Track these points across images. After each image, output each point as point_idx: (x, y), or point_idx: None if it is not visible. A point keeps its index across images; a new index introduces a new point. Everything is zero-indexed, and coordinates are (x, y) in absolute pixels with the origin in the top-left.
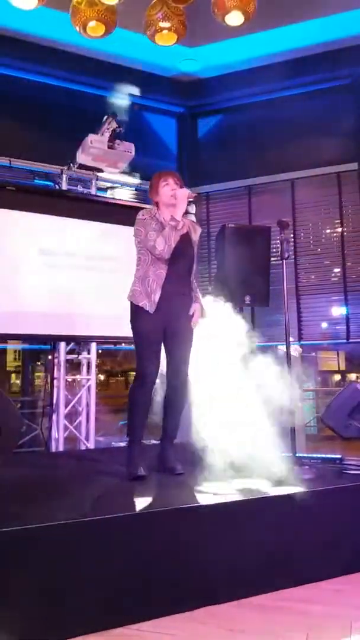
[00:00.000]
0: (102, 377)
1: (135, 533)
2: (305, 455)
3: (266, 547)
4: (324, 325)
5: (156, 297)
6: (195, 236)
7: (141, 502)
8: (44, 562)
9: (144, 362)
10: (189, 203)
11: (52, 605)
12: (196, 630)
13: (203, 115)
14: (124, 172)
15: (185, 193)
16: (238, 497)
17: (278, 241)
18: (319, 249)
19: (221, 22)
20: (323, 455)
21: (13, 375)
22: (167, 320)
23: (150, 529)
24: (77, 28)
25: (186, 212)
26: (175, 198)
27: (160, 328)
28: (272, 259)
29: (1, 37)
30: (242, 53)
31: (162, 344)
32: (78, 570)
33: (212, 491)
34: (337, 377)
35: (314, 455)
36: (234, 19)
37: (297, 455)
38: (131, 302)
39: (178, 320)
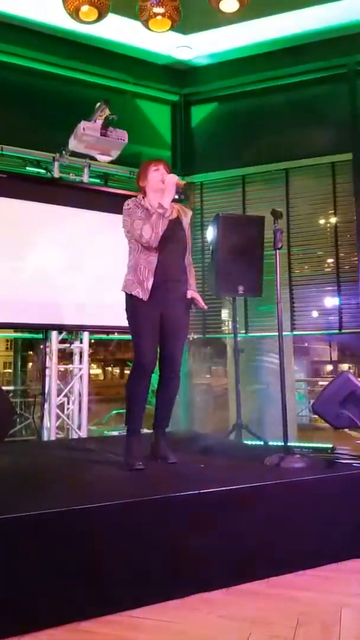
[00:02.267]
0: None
1: (127, 521)
2: (296, 444)
3: (257, 535)
4: (315, 314)
5: (149, 284)
6: (186, 219)
7: (133, 491)
8: (36, 550)
9: (141, 351)
10: (178, 193)
11: (44, 593)
12: (188, 617)
13: (197, 104)
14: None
15: (173, 179)
16: (230, 486)
17: (271, 231)
18: (312, 240)
19: (216, 9)
20: (315, 445)
21: (5, 364)
22: (162, 308)
23: (142, 517)
24: (70, 12)
25: (174, 200)
26: (164, 183)
27: (156, 316)
28: (265, 249)
29: None
30: (236, 41)
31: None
32: (70, 558)
33: (204, 479)
34: (329, 367)
35: (306, 445)
36: (229, 5)
37: (288, 444)
38: (125, 292)
39: (174, 309)
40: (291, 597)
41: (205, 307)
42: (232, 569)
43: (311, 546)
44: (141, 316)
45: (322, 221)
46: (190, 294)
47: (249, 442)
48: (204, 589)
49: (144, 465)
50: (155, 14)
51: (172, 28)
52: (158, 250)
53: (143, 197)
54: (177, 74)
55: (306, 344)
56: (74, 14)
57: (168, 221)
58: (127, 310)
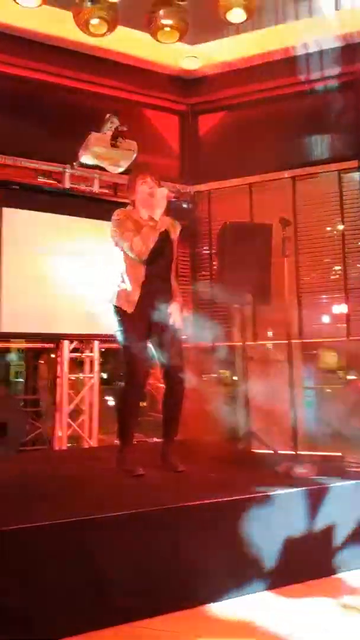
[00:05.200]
0: None
1: (136, 531)
2: (305, 452)
3: (269, 544)
4: (323, 321)
5: (135, 297)
6: (175, 234)
7: (142, 500)
8: (45, 560)
9: (131, 364)
10: (186, 202)
11: (54, 603)
12: (198, 628)
13: (205, 113)
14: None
15: (164, 192)
16: (241, 495)
17: (279, 239)
18: (319, 247)
19: (223, 20)
20: (324, 453)
21: (16, 374)
22: (150, 322)
23: (151, 527)
24: (80, 26)
25: (166, 212)
26: (152, 196)
27: (143, 328)
28: (273, 256)
29: (4, 35)
30: (243, 50)
31: (151, 346)
32: (79, 568)
33: (215, 488)
34: (339, 374)
35: (315, 453)
36: (236, 16)
37: (298, 452)
38: (112, 305)
39: (163, 321)
40: (300, 609)
41: (180, 326)
42: (244, 579)
43: (321, 555)
44: (129, 329)
45: (329, 228)
46: (171, 309)
47: (259, 451)
48: (213, 600)
49: (144, 471)
50: (164, 26)
51: (180, 39)
52: (146, 262)
53: (133, 209)
54: (184, 84)
55: (315, 352)
56: (84, 27)
57: (158, 234)
58: (115, 323)
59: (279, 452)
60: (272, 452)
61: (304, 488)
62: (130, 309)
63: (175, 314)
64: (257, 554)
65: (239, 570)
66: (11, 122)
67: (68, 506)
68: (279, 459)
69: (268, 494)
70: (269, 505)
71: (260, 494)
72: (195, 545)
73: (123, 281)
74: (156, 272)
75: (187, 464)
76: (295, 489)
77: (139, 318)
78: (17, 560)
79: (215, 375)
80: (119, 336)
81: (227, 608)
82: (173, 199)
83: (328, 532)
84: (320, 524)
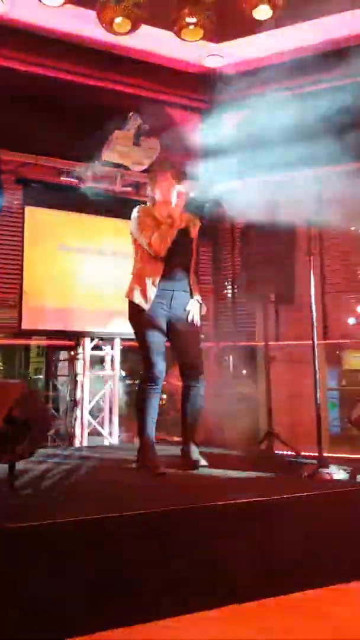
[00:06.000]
0: None
1: (160, 530)
2: (330, 455)
3: (293, 546)
4: (348, 322)
5: (152, 293)
6: (195, 231)
7: (165, 500)
8: (71, 558)
9: (149, 360)
10: (204, 203)
11: (78, 600)
12: (222, 628)
13: (228, 111)
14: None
15: (183, 189)
16: (266, 496)
17: (304, 238)
18: (346, 247)
19: (249, 16)
20: (348, 455)
21: (35, 370)
22: (168, 318)
23: (176, 526)
24: (103, 24)
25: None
26: (172, 194)
27: (161, 325)
28: (298, 256)
29: (26, 33)
30: (269, 48)
31: (169, 342)
32: (104, 566)
33: (239, 489)
34: None
35: (339, 455)
36: (262, 12)
37: (323, 455)
38: (129, 300)
39: (180, 318)
40: (326, 613)
41: (199, 323)
42: (267, 581)
43: (348, 559)
44: (146, 326)
45: (354, 228)
46: (190, 306)
47: (280, 452)
48: (238, 601)
49: (165, 470)
50: (188, 24)
51: (204, 37)
52: (164, 259)
53: (153, 206)
54: (208, 82)
55: (337, 352)
56: (108, 25)
57: (177, 231)
58: (131, 319)
59: (302, 453)
60: (294, 453)
61: (330, 490)
62: (147, 306)
63: (193, 311)
64: (281, 556)
65: (264, 572)
66: (33, 120)
67: (86, 505)
68: (302, 460)
69: (294, 496)
70: (295, 508)
71: (287, 496)
72: (219, 544)
73: (141, 277)
74: (174, 269)
75: (208, 463)
76: (322, 492)
77: (156, 315)
78: (24, 558)
79: (235, 375)
80: (137, 333)
81: (251, 610)
82: (193, 197)
83: (354, 535)
84: (346, 527)
